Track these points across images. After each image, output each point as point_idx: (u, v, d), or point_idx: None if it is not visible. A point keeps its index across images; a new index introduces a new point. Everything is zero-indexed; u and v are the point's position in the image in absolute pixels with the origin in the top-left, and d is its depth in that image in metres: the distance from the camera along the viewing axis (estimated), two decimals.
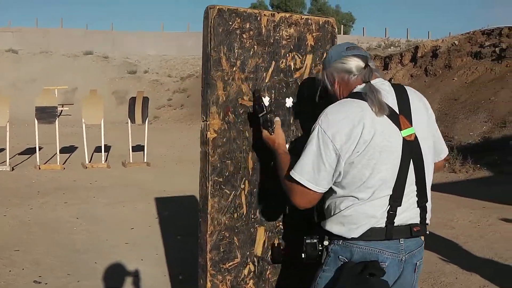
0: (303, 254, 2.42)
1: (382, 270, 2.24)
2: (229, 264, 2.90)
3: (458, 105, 16.05)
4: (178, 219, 7.47)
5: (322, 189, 2.29)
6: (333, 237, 2.35)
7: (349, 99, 2.33)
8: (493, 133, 13.80)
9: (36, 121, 12.86)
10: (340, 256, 2.32)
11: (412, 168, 2.32)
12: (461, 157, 12.30)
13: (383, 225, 2.28)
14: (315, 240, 2.40)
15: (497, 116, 14.40)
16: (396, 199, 2.29)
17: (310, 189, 2.27)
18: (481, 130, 14.26)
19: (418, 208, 2.39)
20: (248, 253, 2.95)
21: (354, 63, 2.38)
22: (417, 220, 2.38)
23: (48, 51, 35.06)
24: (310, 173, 2.26)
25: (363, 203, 2.27)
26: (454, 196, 9.56)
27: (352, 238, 2.29)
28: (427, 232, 2.46)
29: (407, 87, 2.44)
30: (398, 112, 2.31)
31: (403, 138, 2.29)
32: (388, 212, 2.28)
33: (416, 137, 2.33)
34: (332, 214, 2.35)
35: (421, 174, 2.37)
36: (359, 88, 2.35)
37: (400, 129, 2.29)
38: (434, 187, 8.35)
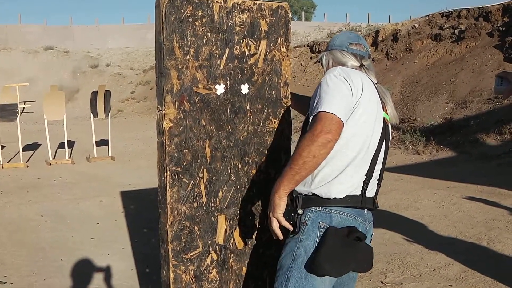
0: None
1: (364, 235, 2.37)
2: (191, 254, 2.88)
3: (419, 87, 16.21)
4: (144, 212, 7.43)
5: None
6: (309, 204, 2.41)
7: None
8: (455, 113, 13.99)
9: None
10: (320, 222, 2.37)
11: (383, 147, 2.49)
12: (424, 138, 12.46)
13: (359, 193, 2.41)
14: (289, 208, 2.42)
15: (458, 97, 14.59)
16: (370, 172, 2.43)
17: (341, 119, 2.26)
18: (443, 111, 14.44)
19: (377, 185, 2.53)
20: (210, 242, 2.93)
21: (350, 62, 2.59)
22: (374, 194, 2.53)
23: (7, 48, 34.49)
24: (338, 106, 2.28)
25: (348, 165, 2.37)
26: (418, 177, 9.69)
27: (334, 199, 2.37)
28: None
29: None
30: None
31: (384, 118, 2.49)
32: (364, 182, 2.42)
33: (389, 124, 2.55)
34: (321, 176, 2.40)
35: (386, 155, 2.54)
36: None
37: (383, 110, 2.50)
38: (399, 169, 8.46)
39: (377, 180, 2.51)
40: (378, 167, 2.47)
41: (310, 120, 2.34)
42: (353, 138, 2.35)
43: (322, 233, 2.34)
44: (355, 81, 2.36)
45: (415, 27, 19.42)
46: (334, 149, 2.27)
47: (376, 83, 2.56)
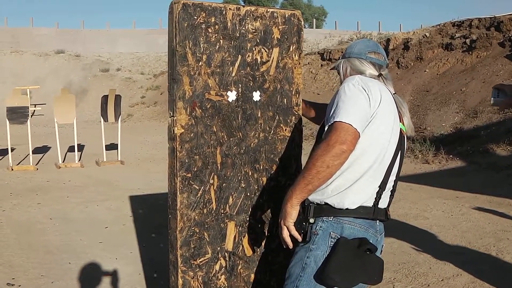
0: None
1: (375, 247, 2.33)
2: (200, 260, 2.89)
3: (430, 97, 16.17)
4: (153, 217, 7.43)
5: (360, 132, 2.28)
6: (321, 213, 2.39)
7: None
8: (465, 123, 13.94)
9: (7, 122, 12.66)
10: (331, 232, 2.35)
11: (398, 159, 2.47)
12: (433, 148, 12.42)
13: (371, 204, 2.38)
14: (301, 217, 2.39)
15: (468, 107, 14.54)
16: (384, 184, 2.41)
17: (357, 130, 2.23)
18: (453, 121, 14.40)
19: (390, 196, 2.50)
20: (219, 248, 2.94)
21: (369, 70, 2.57)
22: (386, 206, 2.50)
23: (19, 51, 34.68)
24: (354, 116, 2.24)
25: (362, 176, 2.35)
26: (427, 187, 9.66)
27: (346, 209, 2.34)
28: None
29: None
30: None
31: (400, 129, 2.46)
32: (377, 193, 2.39)
33: (405, 135, 2.53)
34: (336, 185, 2.37)
35: (401, 167, 2.51)
36: None
37: (400, 121, 2.47)
38: (408, 178, 8.42)
39: (390, 191, 2.49)
40: (392, 178, 2.45)
41: (325, 129, 2.31)
42: (368, 148, 2.33)
43: (332, 243, 2.32)
44: (373, 91, 2.33)
45: (426, 36, 19.38)
46: (349, 159, 2.25)
47: (393, 93, 2.53)
